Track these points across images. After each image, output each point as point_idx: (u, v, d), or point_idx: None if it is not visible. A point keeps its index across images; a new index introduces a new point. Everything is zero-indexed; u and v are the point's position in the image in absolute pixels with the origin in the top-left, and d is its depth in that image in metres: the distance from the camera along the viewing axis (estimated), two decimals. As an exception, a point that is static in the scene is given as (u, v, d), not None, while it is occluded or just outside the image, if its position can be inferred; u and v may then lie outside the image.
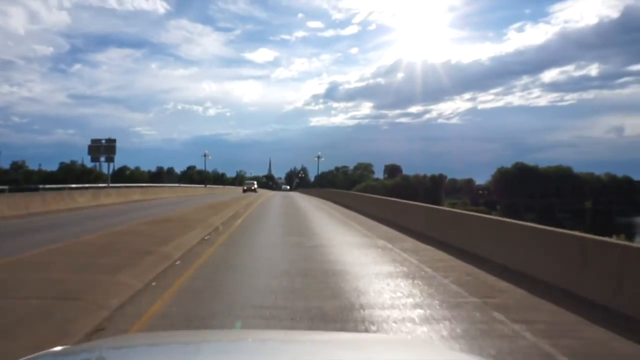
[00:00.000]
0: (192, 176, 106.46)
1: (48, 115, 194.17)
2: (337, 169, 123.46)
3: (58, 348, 1.75)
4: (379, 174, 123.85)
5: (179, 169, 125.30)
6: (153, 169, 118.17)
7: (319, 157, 42.64)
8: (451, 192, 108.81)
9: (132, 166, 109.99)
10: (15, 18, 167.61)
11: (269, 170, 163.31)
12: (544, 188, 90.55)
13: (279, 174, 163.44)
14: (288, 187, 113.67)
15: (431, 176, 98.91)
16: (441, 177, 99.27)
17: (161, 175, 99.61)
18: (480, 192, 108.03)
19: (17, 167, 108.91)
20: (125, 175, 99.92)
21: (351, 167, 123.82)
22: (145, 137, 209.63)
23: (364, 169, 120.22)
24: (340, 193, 37.58)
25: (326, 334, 3.27)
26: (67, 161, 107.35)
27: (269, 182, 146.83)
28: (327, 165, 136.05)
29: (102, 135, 46.55)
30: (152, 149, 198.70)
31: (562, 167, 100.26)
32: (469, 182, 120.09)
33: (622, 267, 5.86)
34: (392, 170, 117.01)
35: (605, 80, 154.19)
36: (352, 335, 3.63)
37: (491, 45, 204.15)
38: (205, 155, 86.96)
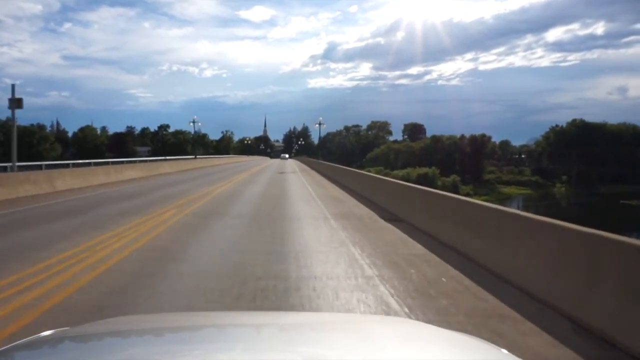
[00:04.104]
0: (164, 138, 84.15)
1: (41, 77, 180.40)
2: (347, 128, 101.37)
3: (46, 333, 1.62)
4: (396, 135, 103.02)
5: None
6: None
7: (320, 124, 31.02)
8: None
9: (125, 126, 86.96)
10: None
11: (264, 131, 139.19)
12: (615, 152, 70.89)
13: (277, 136, 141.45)
14: (287, 156, 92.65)
15: (470, 137, 78.27)
16: (483, 140, 78.67)
17: (125, 139, 77.02)
18: (523, 156, 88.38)
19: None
20: (78, 140, 77.36)
21: (364, 126, 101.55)
22: (140, 99, 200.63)
23: (379, 129, 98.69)
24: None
25: (323, 315, 3.34)
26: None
27: (260, 146, 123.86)
28: (328, 127, 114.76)
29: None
30: (148, 111, 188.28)
31: (628, 125, 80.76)
32: (504, 145, 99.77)
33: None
34: (414, 130, 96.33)
35: (610, 39, 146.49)
36: (350, 316, 3.65)
37: (495, 2, 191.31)
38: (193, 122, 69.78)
